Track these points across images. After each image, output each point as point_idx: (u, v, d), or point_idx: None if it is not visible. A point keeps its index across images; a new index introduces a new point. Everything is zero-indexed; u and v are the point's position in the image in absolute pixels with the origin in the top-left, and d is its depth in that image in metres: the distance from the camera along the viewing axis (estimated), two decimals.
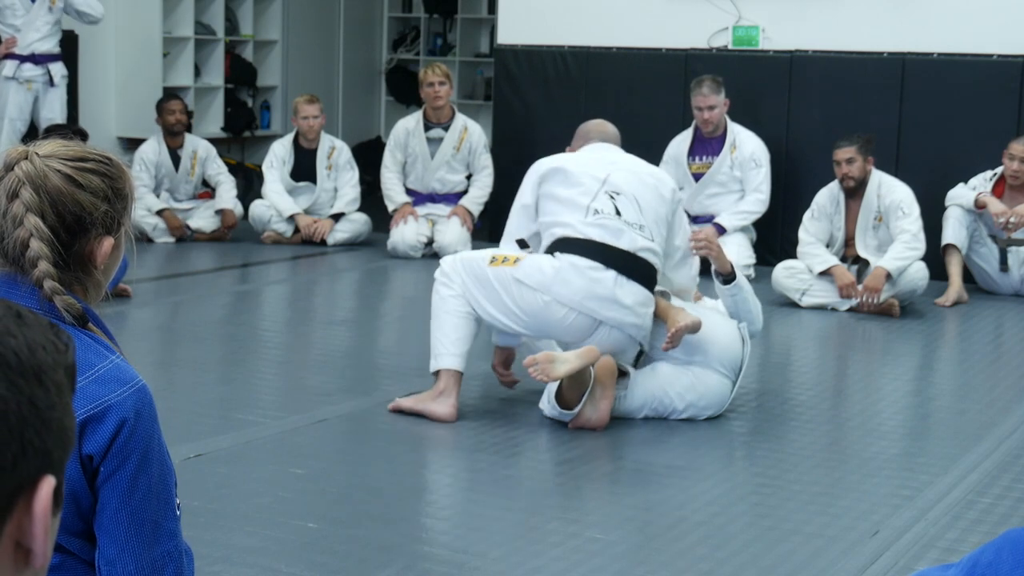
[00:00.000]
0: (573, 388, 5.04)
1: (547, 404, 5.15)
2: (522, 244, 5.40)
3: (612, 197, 5.19)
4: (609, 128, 5.62)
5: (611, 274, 5.07)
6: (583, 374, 5.00)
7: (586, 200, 5.17)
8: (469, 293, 5.16)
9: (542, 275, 5.08)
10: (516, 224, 5.39)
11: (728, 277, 5.37)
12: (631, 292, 5.09)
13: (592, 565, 3.71)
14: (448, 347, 5.15)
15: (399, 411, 5.17)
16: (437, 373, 5.17)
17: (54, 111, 9.42)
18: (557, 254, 5.11)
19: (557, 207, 5.21)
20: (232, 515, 4.01)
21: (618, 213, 5.16)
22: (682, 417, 5.20)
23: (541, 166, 5.35)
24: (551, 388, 5.11)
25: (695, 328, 5.12)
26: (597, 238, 5.11)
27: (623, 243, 5.12)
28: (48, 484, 1.05)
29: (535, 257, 5.17)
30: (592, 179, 5.23)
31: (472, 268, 5.20)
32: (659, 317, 5.19)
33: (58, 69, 9.47)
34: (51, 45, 9.43)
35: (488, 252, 5.28)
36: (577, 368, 4.94)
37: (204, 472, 4.39)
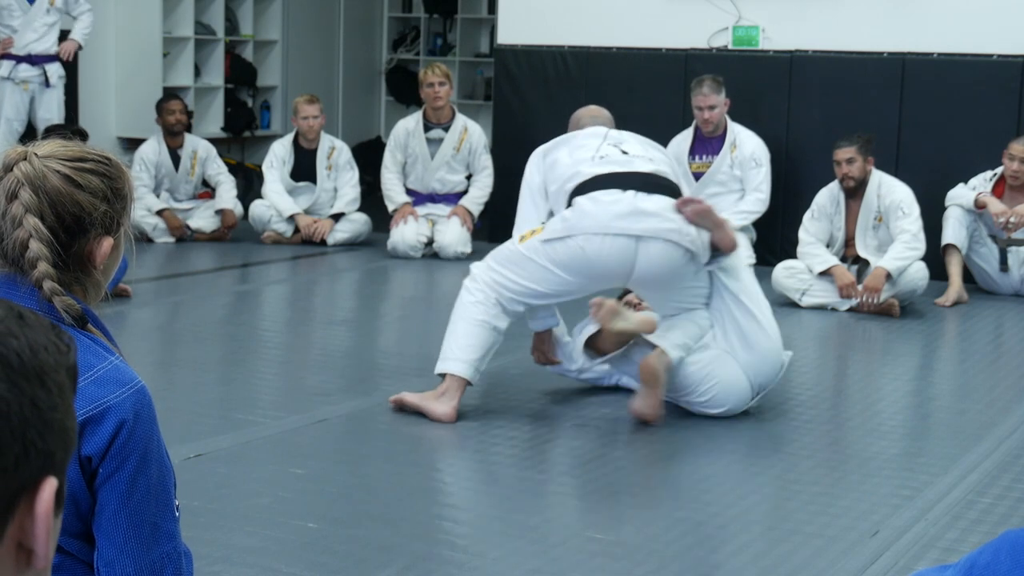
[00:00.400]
0: (609, 342, 5.10)
1: (580, 337, 5.17)
2: None
3: (615, 146, 5.31)
4: (602, 112, 5.74)
5: (629, 193, 5.10)
6: (627, 334, 5.06)
7: (590, 153, 5.27)
8: (504, 281, 5.14)
9: (564, 222, 5.11)
10: (528, 210, 5.39)
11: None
12: (654, 201, 5.09)
13: (592, 565, 3.71)
14: (456, 352, 5.15)
15: (400, 404, 5.17)
16: (443, 376, 5.17)
17: (51, 111, 9.43)
18: (573, 200, 5.15)
19: (564, 170, 5.27)
20: (232, 515, 4.01)
21: (624, 153, 5.27)
22: (698, 400, 5.19)
23: (540, 149, 5.47)
24: (589, 329, 5.15)
25: (720, 223, 5.07)
26: (605, 172, 5.17)
27: (634, 168, 5.19)
28: (50, 485, 1.05)
29: (553, 218, 5.22)
30: (593, 138, 5.38)
31: (503, 256, 5.21)
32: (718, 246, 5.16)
33: (55, 70, 9.48)
34: (48, 46, 9.44)
35: (516, 236, 5.30)
36: (631, 331, 5.01)
37: (204, 472, 4.39)
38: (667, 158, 5.48)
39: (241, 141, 12.22)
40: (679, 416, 5.27)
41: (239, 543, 3.78)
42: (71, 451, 1.09)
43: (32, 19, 9.35)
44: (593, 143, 5.33)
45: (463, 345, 5.15)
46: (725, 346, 5.22)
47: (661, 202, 5.08)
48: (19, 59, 9.34)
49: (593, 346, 5.19)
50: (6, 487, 1.03)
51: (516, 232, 5.39)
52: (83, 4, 9.56)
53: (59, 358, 1.09)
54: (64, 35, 9.73)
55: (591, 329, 5.20)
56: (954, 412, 5.58)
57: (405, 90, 13.47)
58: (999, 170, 8.07)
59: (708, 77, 8.59)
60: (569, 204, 5.17)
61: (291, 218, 9.59)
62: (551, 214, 5.32)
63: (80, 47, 9.61)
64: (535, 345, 5.54)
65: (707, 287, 5.21)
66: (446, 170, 9.39)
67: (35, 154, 2.07)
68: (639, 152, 5.29)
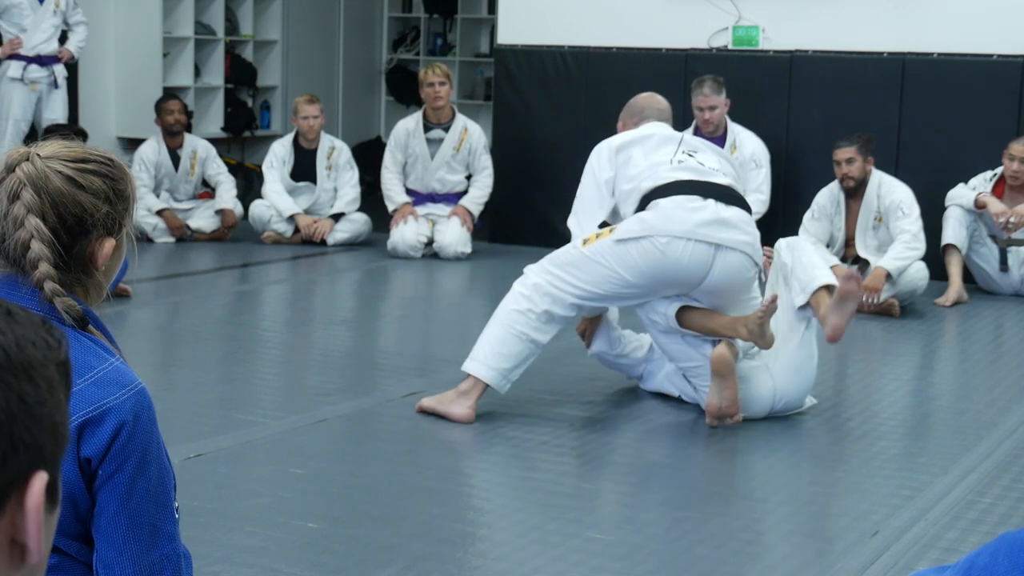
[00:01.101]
0: (692, 325, 5.10)
1: (673, 306, 5.13)
2: (602, 227, 5.34)
3: (691, 155, 5.24)
4: (662, 103, 5.63)
5: (710, 202, 5.05)
6: (714, 331, 5.09)
7: (667, 156, 5.20)
8: (561, 284, 5.07)
9: (643, 224, 5.03)
10: (591, 202, 5.28)
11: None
12: (734, 212, 5.07)
13: (592, 565, 3.71)
14: (487, 357, 5.12)
15: (422, 410, 5.16)
16: (467, 373, 5.16)
17: (56, 112, 9.46)
18: (651, 203, 5.07)
19: (639, 169, 5.20)
20: (232, 515, 4.01)
21: (700, 164, 5.21)
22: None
23: (611, 143, 5.34)
24: (672, 308, 5.12)
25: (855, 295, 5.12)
26: (686, 178, 5.11)
27: (712, 180, 5.15)
28: (40, 479, 1.06)
29: (628, 219, 5.12)
30: (669, 140, 5.30)
31: (562, 259, 5.13)
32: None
33: (60, 70, 9.54)
34: (54, 47, 9.48)
35: (577, 240, 5.21)
36: (758, 330, 4.98)
37: (204, 472, 4.39)
38: (735, 171, 5.46)
39: (241, 141, 12.22)
40: (676, 417, 5.27)
41: (239, 543, 3.77)
42: (62, 446, 1.09)
43: (41, 19, 9.38)
44: (670, 148, 5.25)
45: (495, 352, 5.11)
46: (770, 362, 5.22)
47: (740, 214, 5.08)
48: (29, 60, 9.37)
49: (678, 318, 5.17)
50: None
51: (572, 219, 5.33)
52: (80, 15, 9.60)
53: (48, 353, 1.09)
54: (67, 35, 9.75)
55: (674, 307, 5.14)
56: (954, 412, 5.58)
57: (405, 90, 13.48)
58: (999, 170, 8.07)
59: (708, 77, 8.59)
60: (641, 206, 5.11)
61: (291, 218, 9.59)
62: (615, 212, 5.27)
63: (73, 58, 9.65)
64: (583, 322, 5.51)
65: (760, 301, 5.18)
66: (446, 170, 9.39)
67: (37, 155, 2.07)
68: (715, 165, 5.24)
